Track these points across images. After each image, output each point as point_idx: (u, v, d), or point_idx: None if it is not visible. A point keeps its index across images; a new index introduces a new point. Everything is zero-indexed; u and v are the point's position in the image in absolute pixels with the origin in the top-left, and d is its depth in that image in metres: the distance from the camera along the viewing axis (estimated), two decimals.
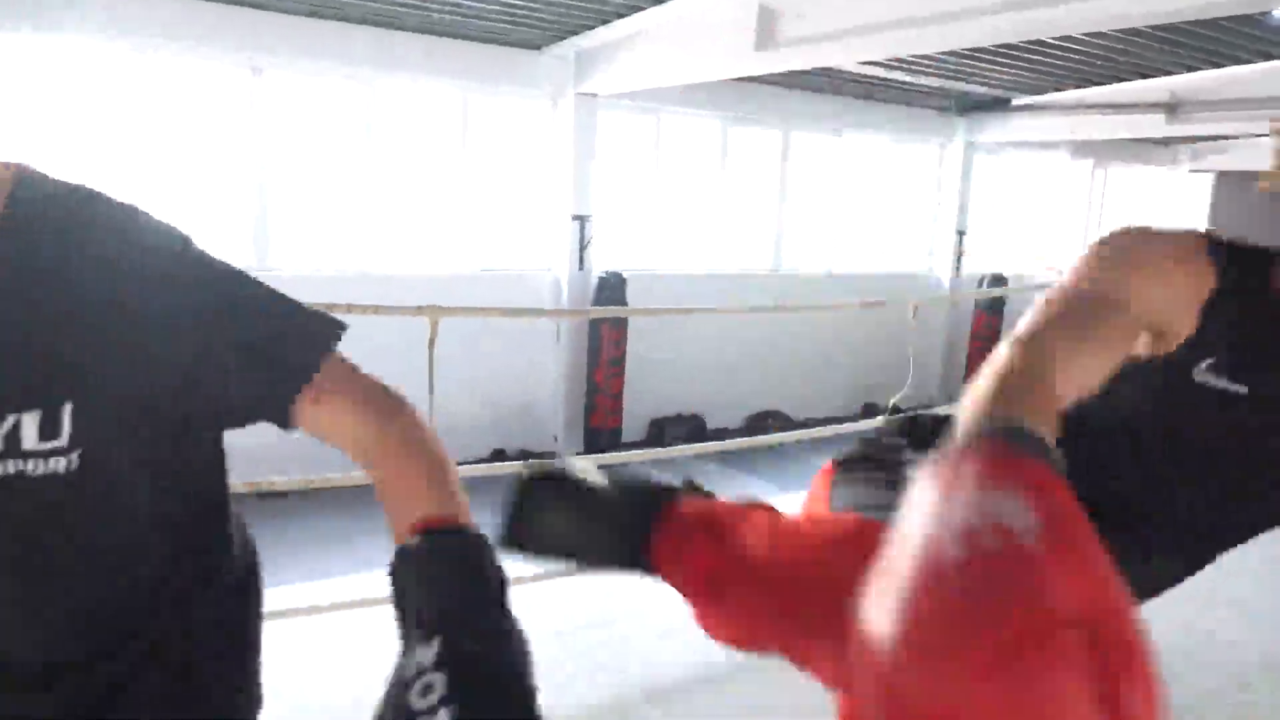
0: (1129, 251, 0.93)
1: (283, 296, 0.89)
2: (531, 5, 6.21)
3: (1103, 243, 0.95)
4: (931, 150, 10.53)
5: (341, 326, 0.89)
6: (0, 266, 0.78)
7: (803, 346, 9.47)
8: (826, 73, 8.07)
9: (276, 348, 0.85)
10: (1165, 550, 1.08)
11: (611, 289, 7.73)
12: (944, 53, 7.18)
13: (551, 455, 7.94)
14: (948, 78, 8.42)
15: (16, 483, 0.81)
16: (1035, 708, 0.47)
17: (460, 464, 0.96)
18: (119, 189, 0.87)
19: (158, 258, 0.82)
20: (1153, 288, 0.91)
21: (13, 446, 0.80)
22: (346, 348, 0.91)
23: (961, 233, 10.71)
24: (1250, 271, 0.92)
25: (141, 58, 6.06)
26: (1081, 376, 0.84)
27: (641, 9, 6.00)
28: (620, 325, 7.76)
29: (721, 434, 8.95)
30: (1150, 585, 1.12)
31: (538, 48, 7.37)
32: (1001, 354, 0.81)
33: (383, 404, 0.87)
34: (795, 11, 5.05)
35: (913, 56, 7.27)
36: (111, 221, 0.82)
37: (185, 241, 0.85)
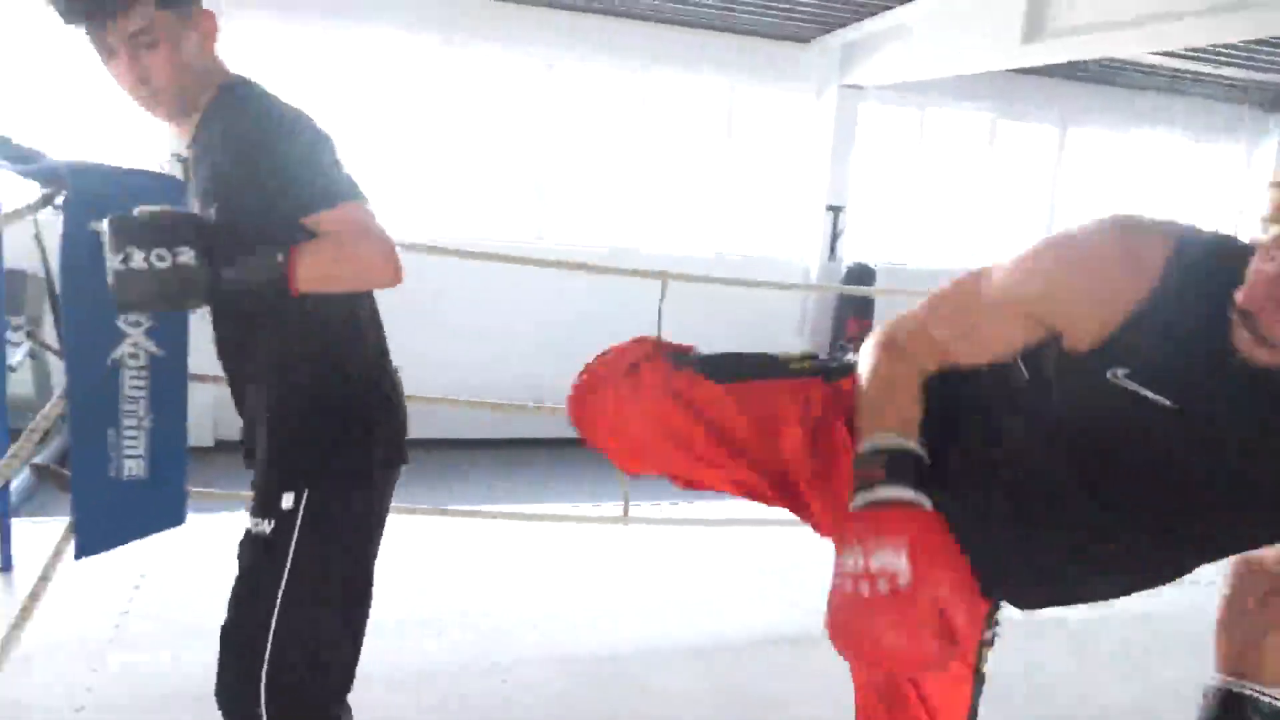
0: (1077, 251, 0.93)
1: (327, 165, 1.37)
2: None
3: (1069, 236, 0.95)
4: (1236, 151, 9.51)
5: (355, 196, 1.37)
6: (200, 138, 1.42)
7: None
8: (1111, 63, 7.57)
9: (311, 185, 1.35)
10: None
11: (859, 280, 7.76)
12: (1252, 41, 6.53)
13: None
14: (1259, 69, 7.61)
15: None
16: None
17: None
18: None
19: (262, 134, 1.35)
20: (1076, 299, 0.92)
21: None
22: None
23: None
24: (1203, 282, 0.86)
25: (449, 51, 6.89)
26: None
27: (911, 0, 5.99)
28: (867, 315, 7.78)
29: None
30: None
31: (805, 41, 7.53)
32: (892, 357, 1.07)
33: (348, 234, 1.34)
34: (1066, 1, 4.87)
35: (1214, 46, 6.66)
36: (252, 111, 1.38)
37: (290, 133, 1.36)
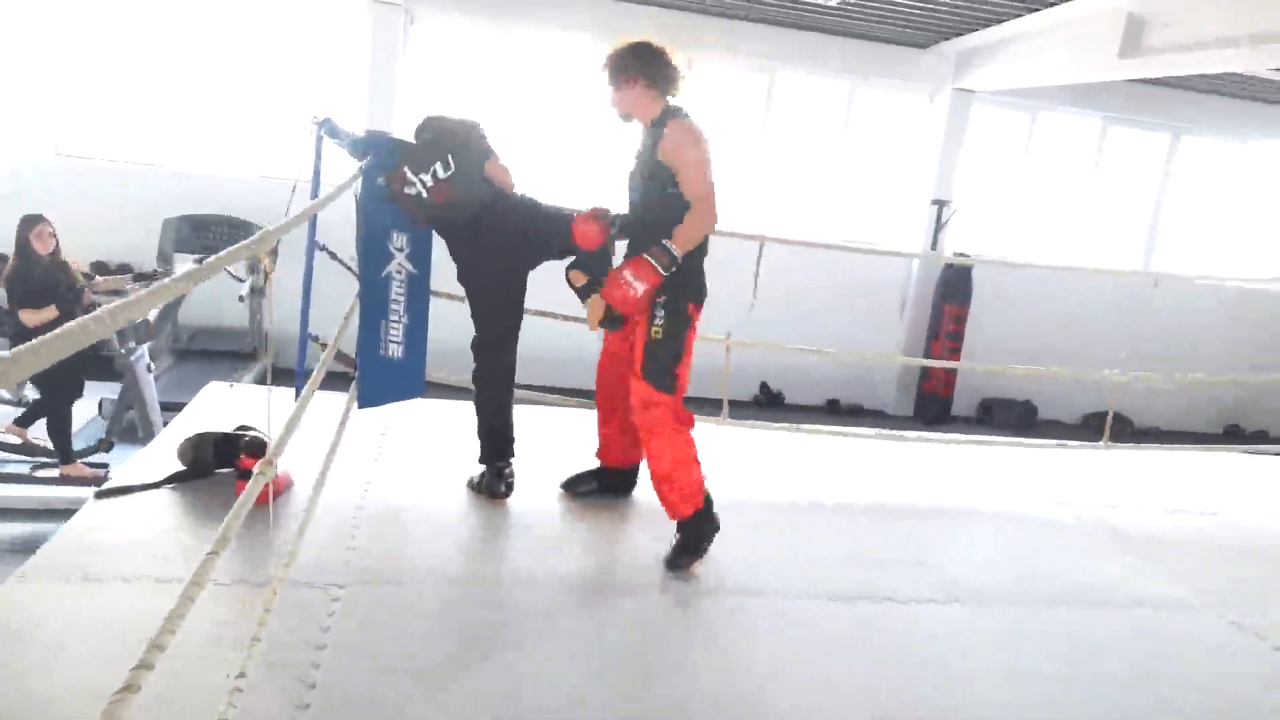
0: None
1: None
2: (925, 7, 7.00)
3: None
4: None
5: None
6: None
7: (1159, 348, 8.43)
8: (1227, 74, 7.88)
9: None
10: None
11: (958, 271, 8.32)
12: None
13: (881, 413, 8.72)
14: None
15: None
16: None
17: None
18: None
19: None
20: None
21: None
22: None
23: None
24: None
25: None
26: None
27: (1032, 10, 6.45)
28: (963, 304, 8.34)
29: (1052, 426, 9.13)
30: None
31: (923, 46, 8.12)
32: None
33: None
34: (1162, 20, 5.38)
35: None
36: None
37: None
